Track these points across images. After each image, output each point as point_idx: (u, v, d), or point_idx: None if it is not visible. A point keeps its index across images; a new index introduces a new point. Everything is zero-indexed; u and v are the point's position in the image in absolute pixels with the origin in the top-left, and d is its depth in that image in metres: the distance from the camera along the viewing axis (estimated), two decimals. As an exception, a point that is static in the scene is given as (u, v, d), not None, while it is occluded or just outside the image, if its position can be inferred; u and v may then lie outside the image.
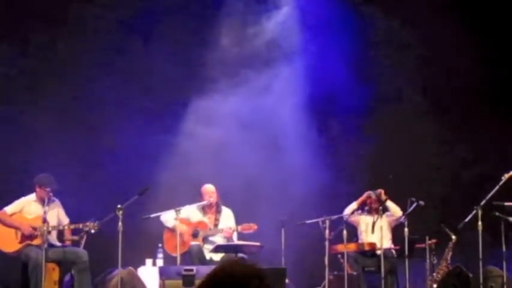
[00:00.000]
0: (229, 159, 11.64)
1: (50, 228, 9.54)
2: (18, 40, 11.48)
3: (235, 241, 10.42)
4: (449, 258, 10.58)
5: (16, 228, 9.58)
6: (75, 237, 9.71)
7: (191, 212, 10.49)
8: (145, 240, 10.73)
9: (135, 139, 11.58)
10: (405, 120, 12.38)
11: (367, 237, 10.78)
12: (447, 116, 12.34)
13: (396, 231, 10.71)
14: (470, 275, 10.08)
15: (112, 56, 11.64)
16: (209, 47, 11.99)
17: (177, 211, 9.87)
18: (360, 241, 10.83)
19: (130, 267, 9.80)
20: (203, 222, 10.49)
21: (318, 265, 10.40)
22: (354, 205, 10.82)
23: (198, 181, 10.78)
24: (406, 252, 9.92)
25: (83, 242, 9.64)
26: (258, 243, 10.14)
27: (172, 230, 10.13)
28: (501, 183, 9.41)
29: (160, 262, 10.47)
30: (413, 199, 10.14)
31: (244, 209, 10.95)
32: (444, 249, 10.62)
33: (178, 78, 11.82)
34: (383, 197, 10.63)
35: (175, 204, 10.00)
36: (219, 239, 10.39)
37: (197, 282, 9.13)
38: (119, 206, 9.17)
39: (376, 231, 10.53)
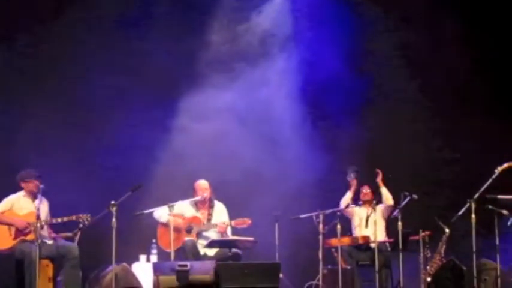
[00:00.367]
0: (223, 154, 11.67)
1: (43, 223, 9.55)
2: (14, 37, 11.46)
3: (230, 236, 10.42)
4: (443, 251, 10.60)
5: (9, 224, 9.59)
6: (69, 234, 9.72)
7: (184, 207, 10.48)
8: (139, 236, 10.75)
9: (129, 134, 11.57)
10: (401, 114, 12.39)
11: (360, 231, 10.80)
12: (443, 111, 12.34)
13: (390, 224, 10.73)
14: (464, 268, 10.10)
15: (106, 51, 11.61)
16: (203, 40, 11.98)
17: (170, 207, 9.86)
18: (353, 235, 10.85)
19: (125, 263, 9.79)
20: (197, 217, 10.49)
21: (312, 259, 10.42)
22: (348, 195, 10.84)
23: (192, 176, 10.77)
24: (400, 246, 9.93)
25: (76, 238, 9.66)
26: (252, 238, 10.15)
27: (166, 226, 10.13)
28: (494, 176, 9.39)
29: (154, 258, 10.48)
30: (407, 193, 10.17)
31: (238, 203, 10.96)
32: (438, 242, 10.64)
33: (172, 73, 11.79)
34: (379, 180, 10.67)
35: (169, 199, 9.99)
36: (213, 234, 10.40)
37: (191, 277, 9.16)
38: (112, 202, 9.15)
39: (370, 225, 10.55)
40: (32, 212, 9.50)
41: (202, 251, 10.31)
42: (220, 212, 10.60)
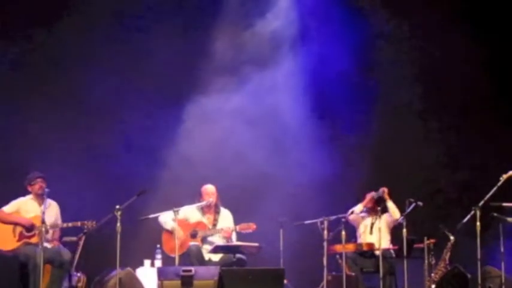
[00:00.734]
0: (229, 157, 11.65)
1: (48, 227, 9.57)
2: (16, 38, 11.47)
3: (234, 241, 10.41)
4: (447, 258, 10.58)
5: (15, 223, 9.62)
6: (74, 238, 9.72)
7: (190, 212, 10.48)
8: (143, 241, 10.74)
9: (136, 138, 11.59)
10: (407, 119, 12.38)
11: (365, 238, 10.79)
12: (448, 116, 12.33)
13: (395, 231, 10.72)
14: (469, 276, 10.08)
15: (112, 54, 11.61)
16: (210, 43, 11.98)
17: (175, 211, 9.86)
18: (358, 242, 10.83)
19: (129, 268, 9.78)
20: (202, 222, 10.49)
21: (317, 266, 10.39)
22: (359, 206, 10.80)
23: (198, 181, 10.77)
24: (405, 253, 9.92)
25: (81, 242, 9.66)
26: (256, 244, 10.15)
27: (171, 232, 10.12)
28: (499, 183, 9.40)
29: (158, 263, 10.47)
30: (412, 200, 10.15)
31: (243, 208, 10.96)
32: (442, 249, 10.62)
33: (178, 77, 11.80)
34: (386, 196, 10.65)
35: (174, 204, 10.00)
36: (218, 240, 10.39)
37: (196, 283, 9.16)
38: (117, 206, 9.17)
39: (375, 232, 10.53)
40: (38, 216, 9.52)
41: (207, 256, 10.30)
42: (225, 218, 10.60)
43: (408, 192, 10.65)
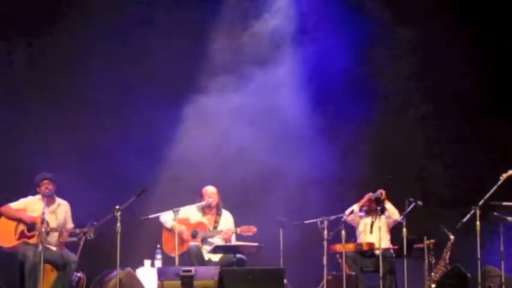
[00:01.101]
0: (229, 158, 11.64)
1: (49, 229, 9.57)
2: (19, 39, 11.48)
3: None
4: (447, 258, 10.58)
5: (19, 219, 9.64)
6: (74, 238, 9.72)
7: (191, 212, 10.49)
8: (143, 241, 10.74)
9: (137, 137, 11.58)
10: (407, 118, 12.38)
11: (365, 237, 10.78)
12: (448, 115, 12.33)
13: (394, 231, 10.71)
14: (469, 275, 10.08)
15: (114, 53, 11.60)
16: (210, 42, 11.97)
17: (175, 212, 9.86)
18: (358, 241, 10.83)
19: (129, 268, 9.80)
20: (202, 223, 10.49)
21: (317, 265, 10.39)
22: (355, 207, 10.80)
23: (199, 180, 10.77)
24: (405, 252, 9.92)
25: (81, 243, 9.65)
26: (256, 244, 10.15)
27: (171, 231, 10.12)
28: (499, 183, 9.41)
29: (158, 263, 10.48)
30: (412, 199, 10.14)
31: (243, 208, 10.96)
32: (442, 249, 10.62)
33: (178, 76, 11.79)
34: (383, 197, 10.64)
35: (175, 204, 10.01)
36: (218, 241, 10.40)
37: (196, 283, 9.16)
38: (117, 207, 9.18)
39: (375, 231, 10.53)
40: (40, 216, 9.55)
41: (207, 256, 10.31)
42: (226, 220, 10.60)
43: (408, 191, 10.65)
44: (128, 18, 11.77)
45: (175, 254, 9.73)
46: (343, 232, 10.05)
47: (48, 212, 9.72)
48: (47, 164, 10.35)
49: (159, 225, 10.34)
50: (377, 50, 12.34)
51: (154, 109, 11.71)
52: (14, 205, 9.80)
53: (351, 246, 10.49)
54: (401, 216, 10.10)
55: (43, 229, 9.37)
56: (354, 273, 10.39)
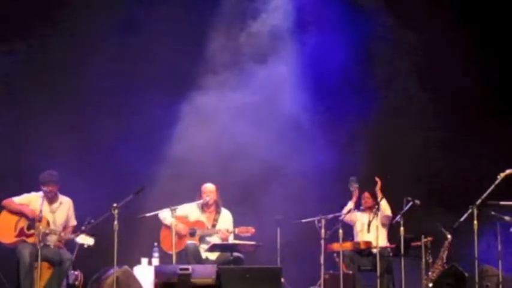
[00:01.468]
0: (228, 155, 11.63)
1: (48, 231, 9.57)
2: (20, 40, 11.47)
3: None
4: (444, 257, 10.58)
5: (20, 212, 9.66)
6: (71, 236, 9.71)
7: (190, 209, 10.49)
8: (141, 239, 10.73)
9: (136, 136, 11.57)
10: (406, 116, 12.37)
11: (363, 236, 10.79)
12: (448, 113, 12.33)
13: (392, 230, 10.71)
14: (466, 274, 10.09)
15: (114, 52, 11.59)
16: (208, 40, 11.95)
17: (173, 210, 9.86)
18: (355, 240, 10.84)
19: (126, 266, 9.80)
20: (201, 221, 10.49)
21: (314, 264, 10.40)
22: (350, 205, 10.82)
23: (197, 178, 10.76)
24: (402, 251, 9.92)
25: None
26: (253, 243, 10.16)
27: (170, 228, 10.12)
28: (497, 182, 9.42)
29: (156, 261, 10.46)
30: (409, 198, 10.14)
31: (241, 206, 10.95)
32: (440, 248, 10.62)
33: (177, 74, 11.78)
34: (378, 190, 10.65)
35: (173, 202, 10.00)
36: (215, 239, 10.39)
37: (193, 281, 9.16)
38: (114, 204, 9.17)
39: (372, 230, 10.51)
40: (43, 216, 9.56)
41: (204, 254, 10.31)
42: (225, 219, 10.60)
43: (406, 190, 10.65)
44: (128, 17, 11.74)
45: (173, 251, 9.72)
46: (340, 231, 10.06)
47: (48, 211, 9.74)
48: (48, 163, 10.33)
49: (156, 224, 10.34)
50: (377, 48, 12.32)
51: (154, 108, 11.71)
52: (17, 199, 9.82)
53: (348, 245, 10.50)
54: (399, 215, 10.10)
55: (40, 227, 9.36)
56: (351, 272, 10.40)
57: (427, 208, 10.71)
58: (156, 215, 10.22)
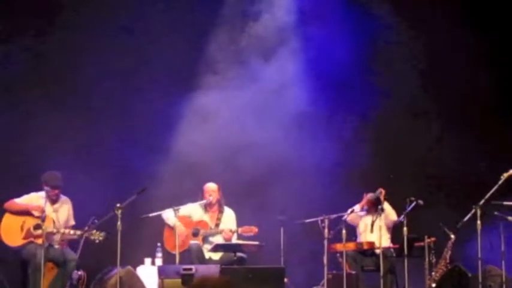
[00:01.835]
0: (231, 156, 11.63)
1: (55, 230, 9.56)
2: (23, 37, 11.47)
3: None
4: (448, 257, 10.59)
5: (25, 211, 9.61)
6: (74, 236, 9.71)
7: (193, 209, 10.49)
8: (144, 239, 10.73)
9: (137, 135, 11.57)
10: (409, 115, 12.37)
11: (366, 236, 10.77)
12: (450, 113, 12.32)
13: (395, 230, 10.71)
14: (469, 274, 10.08)
15: (117, 50, 11.58)
16: (213, 38, 11.95)
17: (176, 210, 9.86)
18: (359, 240, 10.83)
19: (129, 267, 9.80)
20: (204, 221, 10.49)
21: (317, 264, 10.40)
22: (356, 207, 10.78)
23: (200, 179, 10.76)
24: (405, 251, 9.92)
25: (82, 241, 9.64)
26: (257, 243, 10.15)
27: (173, 228, 10.12)
28: (500, 182, 9.41)
29: (159, 261, 10.45)
30: (413, 198, 10.14)
31: (244, 207, 10.95)
32: (443, 248, 10.62)
33: (178, 73, 11.78)
34: (382, 197, 10.63)
35: (177, 202, 10.00)
36: (219, 239, 10.39)
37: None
38: (118, 205, 9.17)
39: (375, 230, 10.52)
40: (47, 216, 9.52)
41: (207, 254, 10.31)
42: (228, 219, 10.59)
43: (409, 190, 10.65)
44: (130, 17, 11.74)
45: (176, 252, 9.73)
46: (343, 231, 10.05)
47: (52, 210, 9.74)
48: (48, 163, 10.33)
49: (160, 224, 10.34)
50: (380, 45, 12.30)
51: (156, 107, 11.70)
52: (18, 201, 9.78)
53: (351, 246, 10.49)
54: (402, 215, 10.10)
55: (45, 227, 9.35)
56: (354, 272, 10.39)
57: (430, 208, 10.71)
58: (159, 215, 10.22)
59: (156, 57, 11.71)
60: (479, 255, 9.31)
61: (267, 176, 11.62)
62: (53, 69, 11.53)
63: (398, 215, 10.44)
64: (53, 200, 9.81)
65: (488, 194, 9.39)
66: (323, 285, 10.24)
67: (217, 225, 10.53)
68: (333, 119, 12.21)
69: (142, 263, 10.55)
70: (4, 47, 11.39)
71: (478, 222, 9.33)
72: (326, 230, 10.07)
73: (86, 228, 9.51)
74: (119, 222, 9.08)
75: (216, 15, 11.97)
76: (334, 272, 10.43)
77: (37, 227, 9.57)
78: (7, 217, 9.72)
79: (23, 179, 10.47)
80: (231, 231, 10.37)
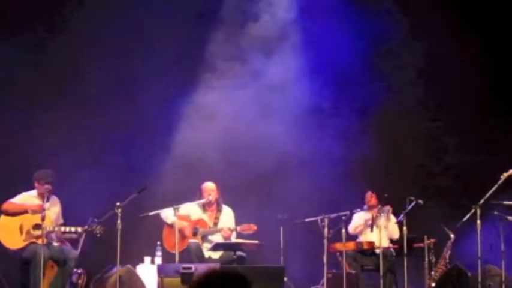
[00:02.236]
0: (231, 156, 11.63)
1: (52, 228, 9.54)
2: (26, 36, 11.47)
3: (234, 240, 10.42)
4: (447, 257, 10.60)
5: (24, 210, 9.54)
6: (74, 235, 9.71)
7: (191, 209, 10.48)
8: (144, 238, 10.73)
9: (138, 134, 11.58)
10: (409, 117, 12.37)
11: (366, 236, 10.77)
12: (451, 115, 12.33)
13: (395, 230, 10.72)
14: (469, 274, 10.09)
15: (118, 51, 11.58)
16: (214, 36, 11.95)
17: (176, 209, 9.86)
18: (358, 240, 10.83)
19: (129, 265, 9.80)
20: (203, 220, 10.49)
21: (317, 263, 10.40)
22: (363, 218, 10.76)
23: (200, 178, 10.77)
24: (405, 251, 9.93)
25: (81, 240, 9.65)
26: (256, 242, 10.15)
27: (172, 227, 10.12)
28: (500, 182, 9.41)
29: (158, 260, 10.45)
30: (412, 198, 10.15)
31: (243, 206, 10.95)
32: (443, 248, 10.62)
33: (181, 73, 11.78)
34: (390, 214, 10.61)
35: (176, 201, 10.01)
36: (218, 238, 10.38)
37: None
38: (117, 203, 9.18)
39: (375, 230, 10.53)
40: (43, 214, 9.51)
41: (207, 253, 10.30)
42: (227, 217, 10.58)
43: (409, 189, 10.65)
44: (133, 18, 11.75)
45: (176, 251, 9.73)
46: (343, 230, 10.05)
47: (48, 207, 9.71)
48: (50, 163, 10.32)
49: (159, 222, 10.34)
50: (383, 41, 12.28)
51: (157, 106, 11.70)
52: (15, 201, 9.70)
53: (351, 245, 10.49)
54: (402, 215, 10.10)
55: (46, 226, 9.33)
56: (354, 271, 10.40)
57: (430, 208, 10.72)
58: (158, 215, 10.22)
59: (160, 58, 11.70)
60: (479, 255, 9.31)
61: (269, 174, 11.61)
62: (52, 70, 11.53)
63: (399, 215, 10.44)
64: (43, 198, 9.70)
65: (488, 194, 9.40)
66: (323, 284, 10.25)
67: (215, 224, 10.52)
68: (335, 116, 12.21)
69: (142, 261, 10.55)
70: (4, 46, 11.39)
71: (478, 221, 9.33)
72: (326, 229, 10.08)
73: (86, 227, 9.50)
74: (118, 221, 9.08)
75: (217, 13, 11.97)
76: (334, 271, 10.44)
77: (36, 227, 9.52)
78: (3, 219, 9.62)
79: (23, 179, 10.45)
80: (230, 229, 10.37)
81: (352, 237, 10.77)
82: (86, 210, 9.81)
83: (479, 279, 9.42)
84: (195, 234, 10.38)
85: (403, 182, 11.61)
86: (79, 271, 9.79)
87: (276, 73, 11.93)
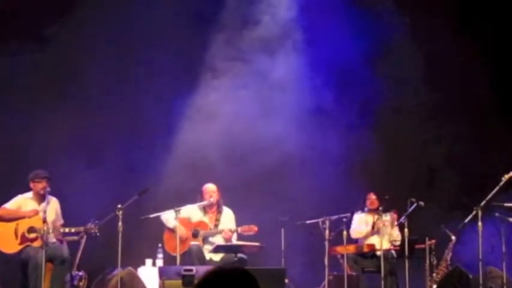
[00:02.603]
0: (231, 157, 11.63)
1: (50, 230, 9.51)
2: (28, 37, 11.47)
3: (235, 241, 10.40)
4: (449, 258, 10.59)
5: (20, 217, 9.50)
6: (75, 237, 9.70)
7: (192, 211, 10.47)
8: (145, 240, 10.73)
9: (142, 136, 11.58)
10: (409, 117, 12.37)
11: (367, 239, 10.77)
12: (453, 116, 12.32)
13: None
14: (470, 276, 10.08)
15: (119, 47, 11.58)
16: (217, 34, 11.94)
17: (177, 211, 9.85)
18: (359, 242, 10.81)
19: (130, 268, 9.81)
20: (203, 222, 10.48)
21: (318, 265, 10.39)
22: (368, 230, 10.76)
23: (202, 180, 10.76)
24: (406, 253, 9.92)
25: (82, 241, 9.63)
26: (257, 244, 10.14)
27: (173, 230, 10.12)
28: (501, 183, 9.41)
29: (160, 262, 10.46)
30: (413, 199, 10.14)
31: (244, 207, 10.95)
32: (444, 249, 10.62)
33: (183, 73, 11.78)
34: (394, 222, 10.61)
35: (180, 202, 10.01)
36: (219, 240, 10.37)
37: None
38: (119, 205, 9.17)
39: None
40: (39, 216, 9.47)
41: (208, 256, 10.29)
42: (228, 218, 10.57)
43: (410, 190, 10.65)
44: (133, 18, 11.75)
45: (177, 254, 9.72)
46: (344, 233, 10.05)
47: (41, 209, 9.63)
48: (50, 163, 10.33)
49: (160, 225, 10.33)
50: (385, 41, 12.27)
51: (157, 106, 11.70)
52: (8, 205, 9.67)
53: (352, 248, 10.49)
54: (403, 217, 10.10)
55: (45, 227, 9.29)
56: (355, 273, 10.39)
57: (431, 209, 10.72)
58: (158, 217, 10.20)
59: (160, 58, 11.70)
60: (480, 257, 9.31)
61: (270, 174, 11.60)
62: (52, 70, 11.53)
63: (399, 216, 10.44)
64: (41, 199, 9.70)
65: (490, 195, 9.39)
66: (324, 286, 10.24)
67: (216, 225, 10.51)
68: (335, 116, 12.20)
69: (143, 263, 10.55)
70: (4, 46, 11.39)
71: (479, 223, 9.33)
72: (327, 231, 10.07)
73: (84, 227, 9.47)
74: (120, 223, 9.07)
75: (218, 12, 11.97)
76: (335, 273, 10.44)
77: (31, 230, 9.48)
78: None
79: (23, 179, 10.44)
80: (230, 230, 10.36)
81: (353, 240, 10.76)
82: (86, 211, 9.80)
83: (481, 281, 9.42)
84: (195, 236, 10.37)
85: (403, 182, 11.60)
86: (80, 273, 9.77)
87: (276, 73, 11.94)
